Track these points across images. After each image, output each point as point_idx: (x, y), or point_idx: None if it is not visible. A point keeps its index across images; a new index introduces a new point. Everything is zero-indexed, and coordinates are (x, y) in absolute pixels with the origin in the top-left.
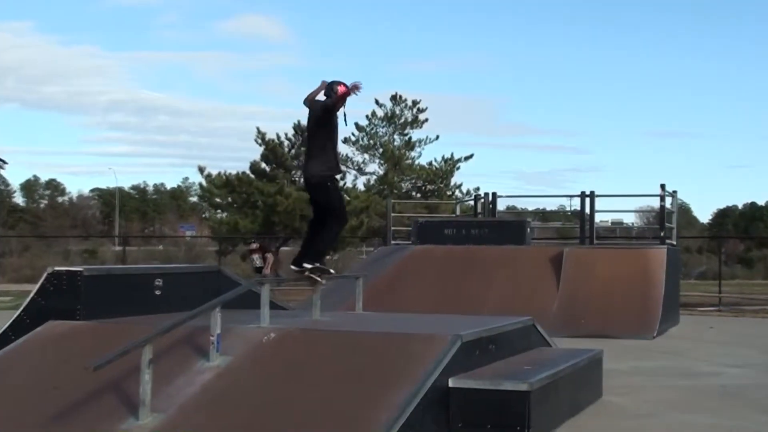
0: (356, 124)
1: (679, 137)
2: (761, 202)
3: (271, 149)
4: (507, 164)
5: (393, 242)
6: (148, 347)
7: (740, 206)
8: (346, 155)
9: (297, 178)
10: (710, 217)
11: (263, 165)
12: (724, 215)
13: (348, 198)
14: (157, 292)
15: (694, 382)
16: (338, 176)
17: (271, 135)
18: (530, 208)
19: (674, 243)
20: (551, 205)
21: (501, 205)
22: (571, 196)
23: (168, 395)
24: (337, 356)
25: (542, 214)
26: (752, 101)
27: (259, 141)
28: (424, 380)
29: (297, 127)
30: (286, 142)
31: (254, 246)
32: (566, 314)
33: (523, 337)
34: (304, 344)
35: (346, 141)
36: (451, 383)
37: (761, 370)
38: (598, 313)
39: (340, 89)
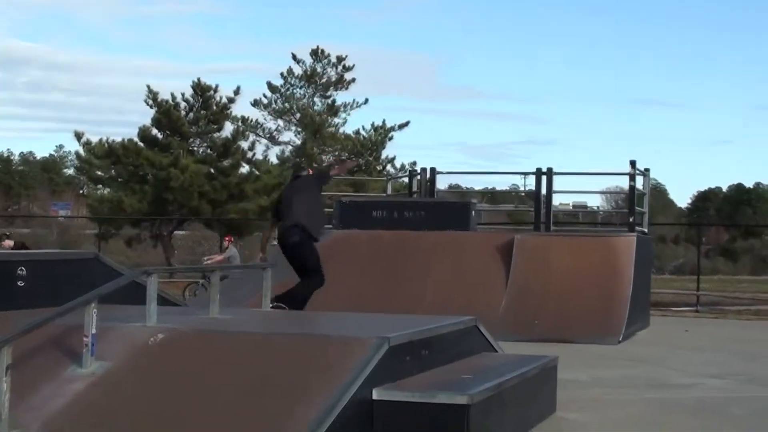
0: (268, 84)
1: (654, 106)
2: (749, 184)
3: (165, 112)
4: (449, 135)
5: None
6: (7, 350)
7: (724, 189)
8: (256, 120)
9: (195, 147)
10: (689, 201)
11: (155, 131)
12: (705, 199)
13: (257, 173)
14: (20, 284)
15: (666, 395)
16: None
17: (165, 95)
18: (477, 188)
19: (646, 231)
20: (501, 184)
21: (441, 184)
22: (525, 174)
23: (31, 408)
24: (238, 363)
25: (491, 195)
26: (740, 66)
27: (151, 102)
28: (342, 392)
29: (196, 86)
30: (183, 104)
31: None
32: (516, 314)
33: (464, 340)
34: (199, 348)
35: (256, 104)
36: (375, 395)
37: (743, 380)
38: (553, 312)
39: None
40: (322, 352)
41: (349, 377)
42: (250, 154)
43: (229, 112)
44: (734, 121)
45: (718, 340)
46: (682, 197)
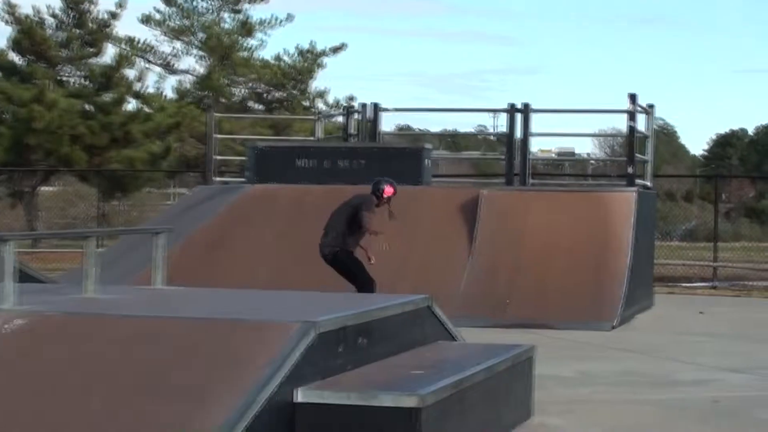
0: None
1: (662, 26)
2: None
3: (26, 31)
4: (399, 62)
5: (217, 179)
6: None
7: (751, 131)
8: (146, 42)
9: (66, 77)
10: (706, 147)
11: (13, 56)
12: (726, 144)
13: (148, 110)
14: None
15: (672, 395)
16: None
17: (26, 8)
18: (433, 130)
19: (649, 184)
20: (466, 125)
21: (388, 125)
22: (495, 112)
23: None
24: (120, 356)
25: (451, 139)
26: None
27: (7, 18)
28: (256, 393)
29: None
30: (50, 21)
31: None
32: (482, 292)
33: (414, 326)
34: (69, 336)
35: (146, 21)
36: (299, 396)
37: None
38: (530, 290)
39: (387, 190)
40: (231, 342)
41: (264, 374)
42: (138, 86)
43: (110, 31)
44: (764, 43)
45: (740, 325)
46: (696, 142)
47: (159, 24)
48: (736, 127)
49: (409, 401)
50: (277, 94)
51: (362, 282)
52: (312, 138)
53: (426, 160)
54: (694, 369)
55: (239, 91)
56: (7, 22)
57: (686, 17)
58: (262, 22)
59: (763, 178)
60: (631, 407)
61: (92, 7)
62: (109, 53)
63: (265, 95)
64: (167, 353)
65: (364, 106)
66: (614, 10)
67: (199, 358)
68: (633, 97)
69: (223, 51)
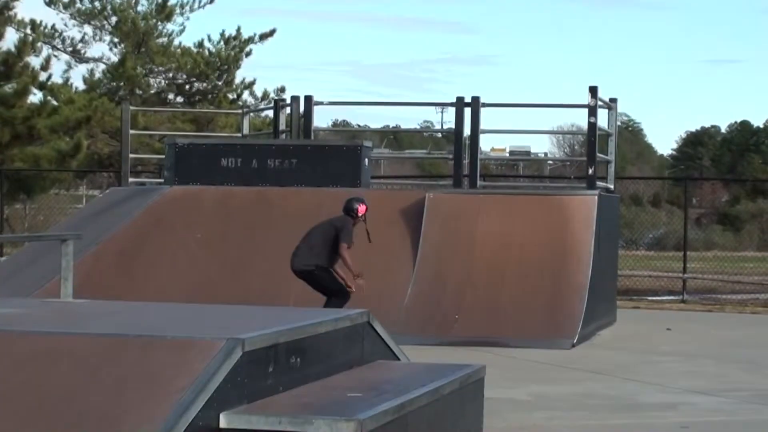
0: None
1: (627, 9)
2: (757, 122)
3: None
4: (335, 50)
5: (133, 180)
6: None
7: (724, 128)
8: (52, 26)
9: None
10: (675, 146)
11: None
12: (697, 143)
13: (55, 102)
14: None
15: (636, 421)
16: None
17: None
18: (373, 126)
19: (611, 187)
20: (409, 120)
21: (322, 119)
22: (442, 106)
23: None
24: (19, 377)
25: (393, 137)
26: None
27: None
28: (175, 418)
29: None
30: None
31: None
32: (428, 306)
33: (352, 343)
34: None
35: (52, 2)
36: (223, 422)
37: (744, 398)
38: (481, 304)
39: (360, 209)
40: (146, 362)
41: (185, 397)
42: (43, 76)
43: (11, 13)
44: (741, 30)
45: (711, 343)
46: (664, 140)
47: (67, 6)
48: (707, 124)
49: (346, 427)
50: (200, 86)
51: (338, 292)
52: (238, 134)
53: (365, 160)
54: (660, 391)
55: (157, 82)
56: None
57: (653, 1)
58: (182, 5)
59: (737, 180)
60: None
61: None
62: (10, 39)
63: (185, 86)
64: (73, 375)
65: (295, 99)
66: None
67: (110, 380)
68: (594, 91)
69: (139, 37)
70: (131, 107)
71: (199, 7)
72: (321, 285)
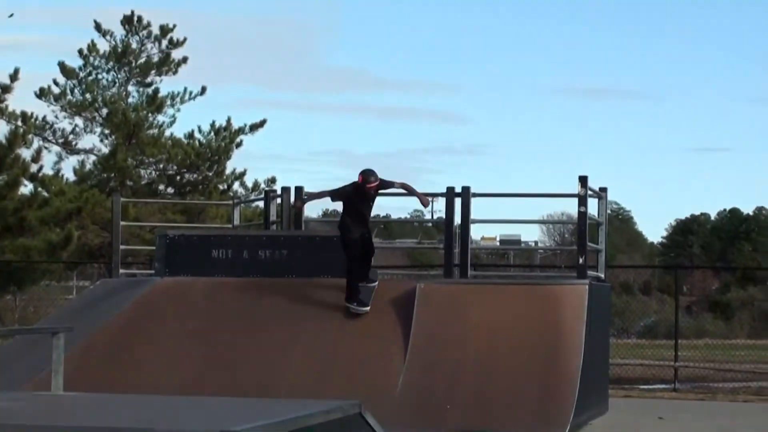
0: (61, 66)
1: (615, 99)
2: (747, 209)
3: None
4: (325, 140)
5: (123, 272)
6: None
7: (713, 216)
8: (44, 118)
9: None
10: (665, 234)
11: None
12: (687, 231)
13: (46, 194)
14: None
15: None
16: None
17: None
18: None
19: (602, 276)
20: (400, 210)
21: (313, 209)
22: (433, 195)
23: None
24: None
25: (384, 227)
26: (730, 46)
27: None
28: None
29: None
30: None
31: None
32: (419, 396)
33: None
34: None
35: (43, 94)
36: None
37: None
38: (472, 394)
39: (361, 178)
40: None
41: None
42: (34, 168)
43: (1, 105)
44: (729, 119)
45: None
46: (654, 228)
47: (57, 98)
48: (697, 212)
49: None
50: (190, 176)
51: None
52: (229, 225)
53: None
54: None
55: (147, 173)
56: None
57: (645, 89)
58: (172, 96)
59: (727, 268)
60: None
61: None
62: (1, 131)
63: (176, 177)
64: None
65: (286, 189)
66: (559, 81)
67: None
68: (584, 180)
69: (130, 128)
70: (122, 198)
71: (190, 99)
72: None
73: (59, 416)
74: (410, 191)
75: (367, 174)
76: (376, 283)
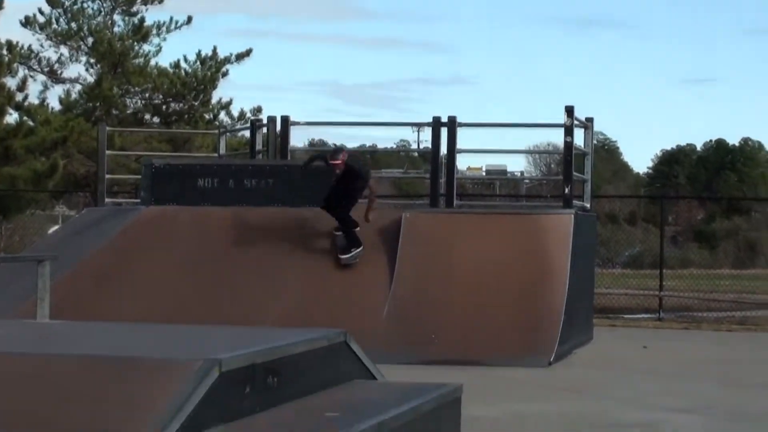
0: None
1: (603, 30)
2: (733, 140)
3: None
4: (312, 70)
5: (109, 200)
6: None
7: (699, 147)
8: (29, 47)
9: None
10: (651, 165)
11: None
12: (672, 161)
13: (31, 123)
14: None
15: None
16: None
17: None
18: (350, 145)
19: (588, 206)
20: (386, 140)
21: (299, 139)
22: (418, 126)
23: None
24: None
25: (371, 156)
26: None
27: None
28: None
29: None
30: None
31: None
32: (405, 326)
33: (329, 363)
34: None
35: (28, 23)
36: None
37: (722, 416)
38: (457, 323)
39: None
40: (121, 382)
41: (161, 418)
42: (19, 97)
43: None
44: (718, 50)
45: (687, 361)
46: (640, 159)
47: (43, 27)
48: (683, 143)
49: None
50: (176, 106)
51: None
52: (215, 154)
53: None
54: (637, 409)
55: (133, 103)
56: None
57: (632, 20)
58: (158, 26)
59: (712, 198)
60: None
61: None
62: None
63: (162, 107)
64: (49, 396)
65: (272, 119)
66: (550, 12)
67: (86, 402)
68: (570, 110)
69: (115, 57)
70: (108, 128)
71: (176, 28)
72: None
73: (44, 344)
74: (369, 203)
75: (332, 151)
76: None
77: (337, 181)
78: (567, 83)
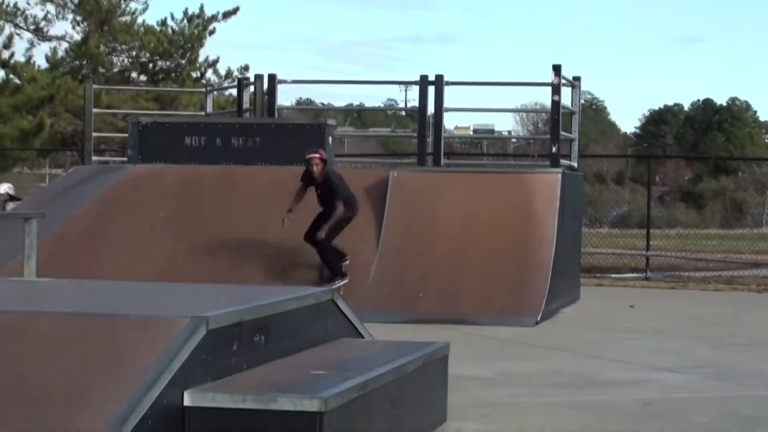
0: None
1: None
2: (720, 100)
3: None
4: (298, 28)
5: (96, 159)
6: None
7: (687, 106)
8: (15, 5)
9: None
10: (638, 124)
11: None
12: (660, 121)
13: (17, 81)
14: None
15: (601, 397)
16: None
17: None
18: (337, 104)
19: (575, 165)
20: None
21: (286, 98)
22: (405, 84)
23: None
24: None
25: (357, 115)
26: None
27: None
28: (139, 396)
29: None
30: None
31: None
32: (391, 284)
33: (316, 321)
34: None
35: None
36: (187, 400)
37: (709, 375)
38: (444, 282)
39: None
40: (110, 339)
41: (149, 375)
42: (5, 54)
43: None
44: (705, 10)
45: (674, 320)
46: (628, 119)
47: None
48: (671, 103)
49: (310, 405)
50: (163, 64)
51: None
52: (202, 113)
53: (329, 138)
54: (623, 368)
55: (120, 61)
56: None
57: None
58: None
59: (700, 158)
60: (555, 410)
61: None
62: None
63: (149, 65)
64: (36, 353)
65: (259, 77)
66: None
67: (73, 359)
68: (557, 69)
69: (102, 15)
70: (94, 86)
71: None
72: None
73: (31, 301)
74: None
75: (308, 151)
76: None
77: (318, 196)
78: (554, 42)
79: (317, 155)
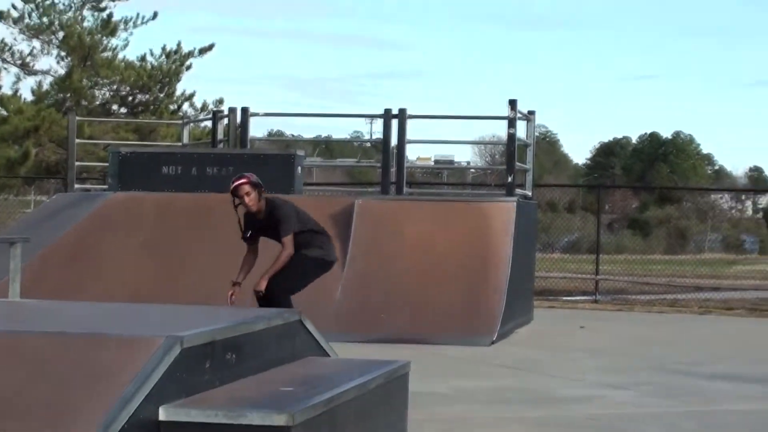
0: None
1: (547, 29)
2: (666, 134)
3: None
4: (272, 64)
5: (78, 186)
6: None
7: (634, 139)
8: (2, 41)
9: None
10: (589, 156)
11: None
12: (609, 153)
13: (4, 112)
14: None
15: (553, 413)
16: None
17: None
18: (306, 135)
19: (529, 194)
20: (340, 131)
21: (258, 130)
22: (371, 117)
23: None
24: None
25: (325, 146)
26: None
27: None
28: (116, 412)
29: None
30: None
31: None
32: (356, 306)
33: (284, 341)
34: None
35: (2, 18)
36: (162, 415)
37: (651, 391)
38: (406, 304)
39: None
40: (88, 357)
41: (125, 391)
42: None
43: None
44: (658, 48)
45: (620, 340)
46: (579, 151)
47: (16, 21)
48: (620, 136)
49: (278, 419)
50: (142, 97)
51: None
52: (178, 143)
53: (298, 167)
54: (573, 385)
55: (102, 94)
56: None
57: (575, 20)
58: (125, 21)
59: (646, 188)
60: (509, 425)
61: None
62: None
63: (129, 98)
64: (18, 371)
65: (232, 110)
66: (494, 11)
67: (55, 376)
68: (513, 104)
69: (85, 51)
70: (77, 117)
71: (142, 23)
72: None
73: (13, 320)
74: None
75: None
76: None
77: (269, 236)
78: (512, 79)
79: (244, 180)
